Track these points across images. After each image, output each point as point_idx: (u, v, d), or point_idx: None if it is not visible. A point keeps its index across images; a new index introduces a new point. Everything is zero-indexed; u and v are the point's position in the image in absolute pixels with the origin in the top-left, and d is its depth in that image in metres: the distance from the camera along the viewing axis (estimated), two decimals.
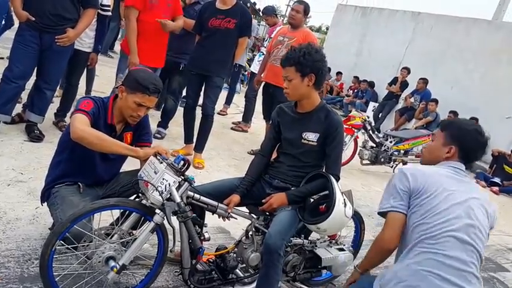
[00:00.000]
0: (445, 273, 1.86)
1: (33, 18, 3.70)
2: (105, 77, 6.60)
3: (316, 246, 2.81)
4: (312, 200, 2.56)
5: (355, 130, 6.23)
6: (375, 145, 6.44)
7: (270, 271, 2.36)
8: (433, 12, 13.34)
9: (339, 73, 14.28)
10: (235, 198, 2.50)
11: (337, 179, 2.52)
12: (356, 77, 13.23)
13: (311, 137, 2.51)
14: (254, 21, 7.82)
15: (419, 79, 10.72)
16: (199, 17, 4.48)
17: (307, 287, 2.85)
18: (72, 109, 4.71)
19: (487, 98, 10.16)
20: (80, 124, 2.27)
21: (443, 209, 1.96)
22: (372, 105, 11.64)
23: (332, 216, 2.33)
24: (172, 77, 5.08)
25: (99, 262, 2.14)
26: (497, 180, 8.55)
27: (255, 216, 2.60)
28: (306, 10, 5.10)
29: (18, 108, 4.37)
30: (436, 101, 10.03)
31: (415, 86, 10.80)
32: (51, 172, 2.55)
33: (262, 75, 5.39)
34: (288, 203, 2.50)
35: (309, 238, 2.80)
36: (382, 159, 6.38)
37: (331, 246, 2.87)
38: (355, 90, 12.98)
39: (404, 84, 11.13)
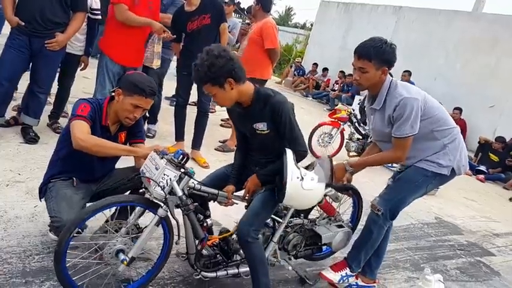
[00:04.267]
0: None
1: (23, 24, 3.78)
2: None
3: (315, 224, 2.99)
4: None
5: (341, 123, 6.39)
6: (361, 137, 6.58)
7: (248, 256, 2.52)
8: (414, 5, 13.54)
9: (325, 69, 14.46)
10: (231, 187, 2.62)
11: (301, 154, 2.49)
12: (342, 72, 13.42)
13: (261, 126, 2.49)
14: (235, 19, 7.91)
15: (404, 71, 10.93)
16: (174, 26, 4.55)
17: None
18: (67, 110, 4.86)
19: (470, 88, 10.43)
20: (80, 134, 2.38)
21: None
22: (358, 98, 11.75)
23: (288, 192, 2.32)
24: (149, 71, 4.94)
25: (110, 254, 2.28)
26: (482, 168, 8.77)
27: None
28: (259, 1, 5.25)
29: (13, 112, 4.49)
30: None
31: (399, 79, 10.99)
32: (50, 169, 2.67)
33: None
34: (260, 183, 2.58)
35: (309, 217, 2.97)
36: None
37: (330, 224, 3.05)
38: (341, 84, 13.17)
39: None
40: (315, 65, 14.98)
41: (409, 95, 2.56)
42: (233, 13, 7.76)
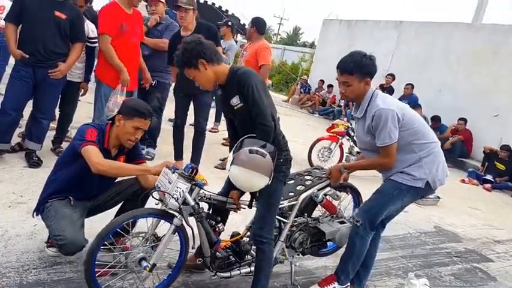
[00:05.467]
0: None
1: (27, 56, 4.03)
2: None
3: (319, 222, 3.23)
4: None
5: (339, 137, 6.51)
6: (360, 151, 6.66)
7: (259, 256, 2.74)
8: (415, 19, 13.71)
9: (330, 86, 14.62)
10: (235, 194, 2.81)
11: (262, 129, 2.49)
12: None
13: (235, 101, 2.58)
14: (232, 41, 8.14)
15: (406, 85, 11.03)
16: (172, 51, 4.77)
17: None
18: (70, 135, 5.09)
19: (474, 98, 10.45)
20: (97, 158, 2.61)
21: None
22: None
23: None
24: (149, 95, 5.20)
25: (133, 262, 2.51)
26: (489, 177, 8.74)
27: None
28: (255, 25, 5.51)
29: (18, 138, 4.73)
30: (419, 106, 10.27)
31: (402, 92, 11.10)
32: (46, 188, 2.85)
33: None
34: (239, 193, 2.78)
35: (312, 216, 3.23)
36: None
37: (333, 220, 3.31)
38: (346, 100, 13.29)
39: (390, 90, 11.41)
40: (322, 81, 15.16)
41: (384, 106, 2.72)
42: (234, 34, 8.04)
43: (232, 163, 2.40)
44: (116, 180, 2.98)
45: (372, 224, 2.91)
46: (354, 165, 3.17)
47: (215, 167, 5.63)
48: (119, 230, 2.49)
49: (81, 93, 4.98)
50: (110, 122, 2.88)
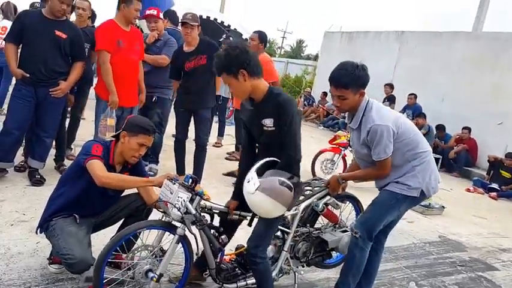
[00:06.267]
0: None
1: (28, 75, 4.10)
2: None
3: (321, 231, 3.25)
4: None
5: (342, 148, 6.51)
6: None
7: (256, 274, 2.77)
8: (416, 29, 13.76)
9: None
10: (232, 204, 2.85)
11: (293, 160, 2.57)
12: None
13: (268, 122, 2.58)
14: None
15: (409, 94, 11.05)
16: (174, 65, 4.96)
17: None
18: (74, 153, 5.16)
19: (477, 107, 10.41)
20: (101, 172, 2.68)
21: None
22: None
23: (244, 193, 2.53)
24: (150, 111, 5.24)
25: (140, 274, 2.56)
26: (495, 186, 8.66)
27: None
28: (260, 38, 5.55)
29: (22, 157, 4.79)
30: (424, 115, 10.26)
31: (405, 102, 11.12)
32: (50, 205, 2.89)
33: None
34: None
35: (315, 226, 3.25)
36: None
37: (335, 230, 3.33)
38: None
39: (391, 99, 11.39)
40: (324, 93, 15.17)
41: (380, 122, 2.72)
42: None
43: (258, 189, 2.43)
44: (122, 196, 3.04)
45: (370, 234, 2.91)
46: (351, 176, 3.20)
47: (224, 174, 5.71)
48: (117, 249, 2.52)
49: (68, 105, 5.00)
50: (115, 139, 2.94)
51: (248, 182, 2.50)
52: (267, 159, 2.57)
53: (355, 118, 2.86)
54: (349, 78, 2.71)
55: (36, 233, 2.92)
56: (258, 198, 2.47)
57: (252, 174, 2.51)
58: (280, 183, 2.44)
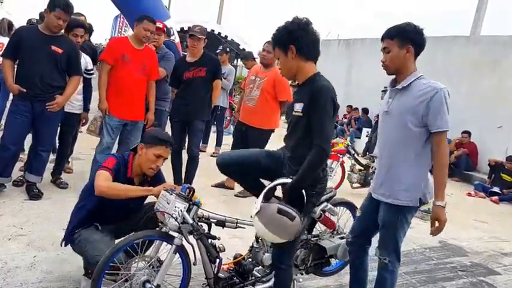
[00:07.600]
0: None
1: (25, 90, 4.12)
2: None
3: (320, 238, 3.25)
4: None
5: (340, 155, 6.51)
6: (362, 168, 6.67)
7: (277, 281, 2.78)
8: None
9: None
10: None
11: (322, 151, 2.40)
12: (349, 106, 13.64)
13: (297, 107, 2.50)
14: (231, 66, 8.29)
15: None
16: (174, 73, 5.06)
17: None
18: (71, 166, 5.21)
19: (477, 111, 10.40)
20: (102, 181, 2.72)
21: None
22: (366, 130, 11.94)
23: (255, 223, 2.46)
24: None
25: (137, 284, 2.55)
26: (496, 189, 8.64)
27: None
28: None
29: (20, 172, 4.79)
30: None
31: None
32: (74, 217, 2.93)
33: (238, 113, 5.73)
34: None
35: (313, 232, 3.25)
36: (371, 180, 6.57)
37: (333, 237, 3.32)
38: (349, 118, 13.38)
39: None
40: None
41: (445, 87, 2.58)
42: (233, 59, 8.20)
43: (257, 215, 2.39)
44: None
45: (398, 255, 2.81)
46: (441, 190, 2.74)
47: (235, 195, 5.57)
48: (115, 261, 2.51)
49: (82, 123, 5.10)
50: (133, 152, 2.99)
51: (255, 202, 2.46)
52: (278, 182, 2.47)
53: (405, 80, 2.65)
54: (396, 29, 2.62)
55: (61, 245, 2.97)
56: (256, 225, 2.44)
57: (259, 200, 2.44)
58: (280, 211, 2.35)
